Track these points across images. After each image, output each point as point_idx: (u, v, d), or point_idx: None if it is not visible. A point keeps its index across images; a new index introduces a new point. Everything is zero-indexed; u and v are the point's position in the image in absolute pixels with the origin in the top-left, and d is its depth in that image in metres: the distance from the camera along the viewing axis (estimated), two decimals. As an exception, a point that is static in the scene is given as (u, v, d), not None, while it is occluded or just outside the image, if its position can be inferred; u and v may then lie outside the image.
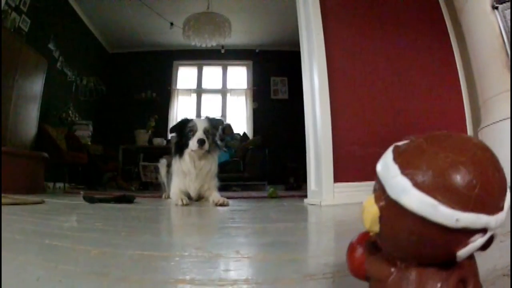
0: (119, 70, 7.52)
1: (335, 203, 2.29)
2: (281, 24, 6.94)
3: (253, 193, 4.73)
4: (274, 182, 6.44)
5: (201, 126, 2.74)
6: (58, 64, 5.44)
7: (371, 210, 0.32)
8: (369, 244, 0.37)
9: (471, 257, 0.34)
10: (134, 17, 6.46)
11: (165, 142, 6.96)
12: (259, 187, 6.41)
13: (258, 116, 7.98)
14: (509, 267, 0.51)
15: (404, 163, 0.31)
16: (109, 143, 6.28)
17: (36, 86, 4.13)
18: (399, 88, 2.69)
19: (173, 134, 2.97)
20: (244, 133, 7.48)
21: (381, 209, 0.32)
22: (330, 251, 0.91)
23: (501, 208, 0.30)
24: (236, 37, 6.34)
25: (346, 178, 2.39)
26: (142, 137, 6.67)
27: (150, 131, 6.85)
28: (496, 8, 2.21)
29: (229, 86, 8.28)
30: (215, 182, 2.85)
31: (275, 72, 8.15)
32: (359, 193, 2.33)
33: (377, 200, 0.32)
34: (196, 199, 2.78)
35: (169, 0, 5.98)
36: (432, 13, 2.87)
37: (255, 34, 7.52)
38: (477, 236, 0.30)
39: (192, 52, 7.48)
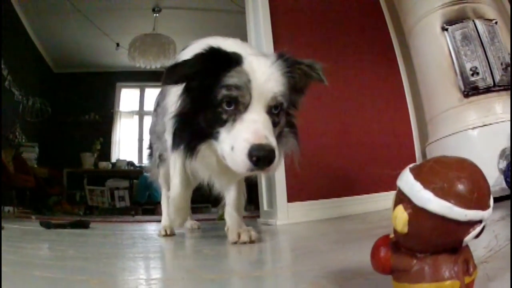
0: (63, 91, 7.15)
1: (290, 222, 2.38)
2: (222, 45, 7.10)
3: (200, 216, 4.69)
4: (217, 205, 6.44)
5: (265, 93, 1.15)
6: (6, 83, 5.17)
7: (402, 216, 0.44)
8: (392, 245, 0.49)
9: (467, 245, 0.47)
10: (81, 36, 6.25)
11: (110, 165, 6.82)
12: (203, 210, 6.39)
13: (199, 137, 7.96)
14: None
15: (424, 180, 0.44)
16: (54, 166, 5.98)
17: (-15, 105, 3.84)
18: (349, 108, 2.83)
19: (173, 91, 1.37)
20: (187, 155, 7.44)
21: (409, 214, 0.44)
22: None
23: (489, 206, 0.44)
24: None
25: (298, 198, 2.49)
26: (88, 160, 6.49)
27: (96, 154, 6.69)
28: (446, 30, 2.33)
29: (171, 108, 8.19)
30: None
31: (216, 93, 8.23)
32: (312, 211, 2.47)
33: (405, 208, 0.44)
34: None
35: (116, 21, 5.89)
36: (381, 35, 3.08)
37: (198, 56, 7.61)
38: (475, 226, 0.43)
39: (134, 74, 7.35)
